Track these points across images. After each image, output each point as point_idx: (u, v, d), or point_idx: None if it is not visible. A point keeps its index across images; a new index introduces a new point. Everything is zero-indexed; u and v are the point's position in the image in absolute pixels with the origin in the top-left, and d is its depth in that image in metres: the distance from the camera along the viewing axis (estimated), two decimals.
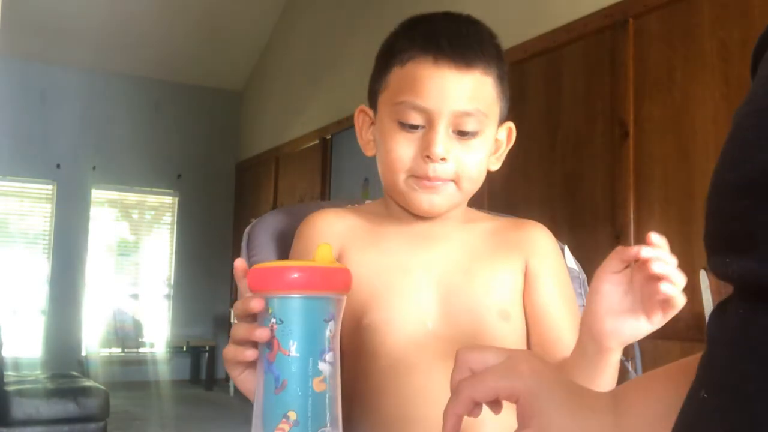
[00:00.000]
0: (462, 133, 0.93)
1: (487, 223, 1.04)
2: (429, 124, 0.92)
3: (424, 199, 0.94)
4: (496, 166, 1.02)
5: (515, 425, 0.58)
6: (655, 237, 0.72)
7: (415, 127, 0.92)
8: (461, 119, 0.92)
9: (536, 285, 0.98)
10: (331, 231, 0.99)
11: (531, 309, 0.98)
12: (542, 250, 1.01)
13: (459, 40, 0.92)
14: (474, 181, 0.96)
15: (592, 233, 3.17)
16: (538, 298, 0.98)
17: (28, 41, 6.45)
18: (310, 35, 6.44)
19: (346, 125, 5.53)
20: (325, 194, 5.85)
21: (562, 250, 1.10)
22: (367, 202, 1.15)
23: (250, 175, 7.51)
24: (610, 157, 3.16)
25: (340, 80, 5.75)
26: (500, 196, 3.19)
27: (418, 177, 0.93)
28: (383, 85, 0.97)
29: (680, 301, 0.74)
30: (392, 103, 0.94)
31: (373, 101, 1.00)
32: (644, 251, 0.72)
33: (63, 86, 7.03)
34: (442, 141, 0.91)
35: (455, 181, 0.94)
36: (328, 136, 5.90)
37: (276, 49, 7.17)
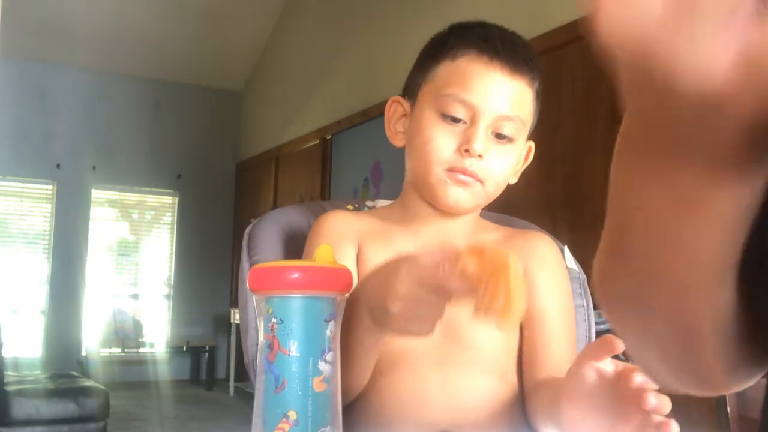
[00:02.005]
0: (500, 136, 0.95)
1: (494, 233, 1.05)
2: (471, 121, 0.93)
3: (452, 193, 0.95)
4: (514, 179, 1.03)
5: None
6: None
7: (456, 120, 0.94)
8: (502, 122, 0.94)
9: (531, 292, 0.98)
10: (350, 230, 1.00)
11: (525, 314, 0.99)
12: (541, 257, 1.02)
13: (513, 47, 0.95)
14: (498, 186, 0.98)
15: (592, 233, 3.16)
16: (531, 305, 0.98)
17: (28, 41, 6.45)
18: (310, 35, 6.44)
19: (346, 125, 5.53)
20: (325, 194, 5.85)
21: (562, 251, 1.10)
22: (379, 202, 1.15)
23: (250, 175, 7.51)
24: (610, 158, 3.16)
25: (340, 80, 5.74)
26: (499, 196, 3.19)
27: (452, 170, 0.94)
28: (428, 78, 0.98)
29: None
30: (437, 95, 0.95)
31: (411, 93, 1.01)
32: (638, 378, 0.68)
33: (63, 86, 7.03)
34: (482, 139, 0.93)
35: (483, 182, 0.95)
36: (328, 136, 5.90)
37: (276, 49, 7.17)
